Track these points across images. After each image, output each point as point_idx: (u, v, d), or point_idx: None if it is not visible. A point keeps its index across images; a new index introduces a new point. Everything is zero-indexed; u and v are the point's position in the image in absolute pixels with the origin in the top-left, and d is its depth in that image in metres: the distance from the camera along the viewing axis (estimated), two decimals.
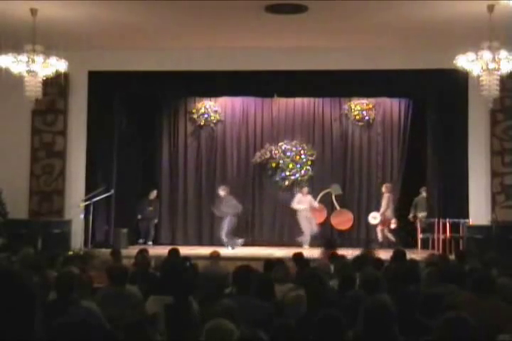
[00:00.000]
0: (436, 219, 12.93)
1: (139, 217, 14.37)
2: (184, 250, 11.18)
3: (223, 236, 13.66)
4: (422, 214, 13.48)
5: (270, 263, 7.32)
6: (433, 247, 12.82)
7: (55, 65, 10.36)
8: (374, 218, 14.02)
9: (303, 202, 14.16)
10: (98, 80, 12.87)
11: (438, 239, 12.68)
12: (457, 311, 3.80)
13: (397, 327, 4.04)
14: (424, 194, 13.93)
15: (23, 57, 10.15)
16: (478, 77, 9.95)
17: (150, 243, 14.09)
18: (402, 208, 14.18)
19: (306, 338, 3.97)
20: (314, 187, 14.92)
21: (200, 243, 14.64)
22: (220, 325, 3.56)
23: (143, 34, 11.68)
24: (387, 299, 4.19)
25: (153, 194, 14.50)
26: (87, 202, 12.33)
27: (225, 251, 11.91)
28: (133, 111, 14.41)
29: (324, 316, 3.91)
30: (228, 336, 3.50)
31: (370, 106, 14.86)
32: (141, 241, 14.00)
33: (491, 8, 9.63)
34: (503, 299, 5.14)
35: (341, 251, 9.70)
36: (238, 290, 5.42)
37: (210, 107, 15.12)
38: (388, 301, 4.10)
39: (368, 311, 3.92)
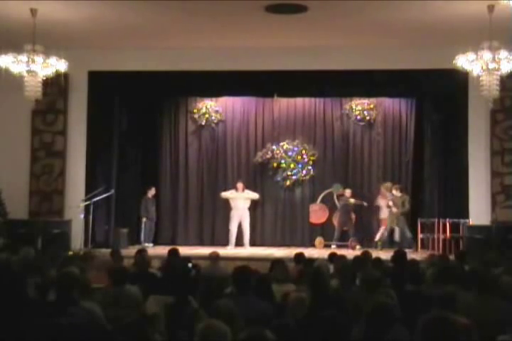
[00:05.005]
0: (436, 219, 12.94)
1: (145, 219, 14.11)
2: (184, 250, 11.20)
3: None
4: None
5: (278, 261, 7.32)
6: (433, 247, 12.83)
7: (55, 65, 10.36)
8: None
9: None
10: (98, 80, 12.88)
11: (438, 239, 12.69)
12: (449, 311, 3.79)
13: (400, 327, 4.04)
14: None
15: (23, 57, 10.15)
16: (478, 77, 9.95)
17: (151, 244, 13.88)
18: None
19: (306, 338, 3.97)
20: (316, 187, 14.93)
21: (201, 243, 14.63)
22: (213, 326, 3.55)
23: (143, 34, 11.68)
24: (389, 299, 4.19)
25: (152, 192, 14.37)
26: (87, 202, 12.32)
27: (225, 252, 11.93)
28: (133, 111, 14.39)
29: (325, 316, 3.90)
30: (221, 337, 3.49)
31: (371, 106, 14.85)
32: (146, 244, 13.60)
33: (491, 8, 9.63)
34: (505, 298, 5.13)
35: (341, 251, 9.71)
36: (237, 290, 5.42)
37: (211, 107, 15.11)
38: (389, 301, 4.10)
39: (369, 312, 3.92)
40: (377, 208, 14.25)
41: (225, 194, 14.22)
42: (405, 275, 6.08)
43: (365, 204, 14.35)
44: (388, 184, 14.10)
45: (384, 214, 13.93)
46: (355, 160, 15.01)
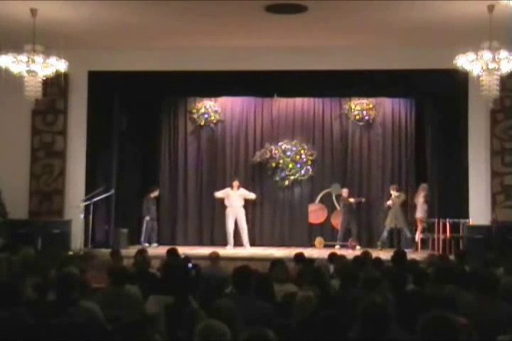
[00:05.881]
0: (436, 219, 12.94)
1: (148, 218, 14.08)
2: (184, 250, 11.21)
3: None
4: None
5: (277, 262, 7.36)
6: (433, 247, 12.83)
7: (55, 64, 10.35)
8: None
9: None
10: (98, 80, 12.87)
11: (438, 239, 12.69)
12: (449, 311, 3.79)
13: (395, 326, 4.04)
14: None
15: (23, 57, 10.15)
16: (478, 77, 9.95)
17: (155, 244, 13.89)
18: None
19: (307, 338, 3.97)
20: (314, 186, 14.93)
21: (200, 243, 14.62)
22: (213, 326, 3.55)
23: (143, 34, 11.68)
24: (385, 298, 4.18)
25: (156, 193, 14.38)
26: (87, 202, 12.32)
27: (224, 252, 11.94)
28: (133, 111, 14.40)
29: (324, 316, 3.90)
30: (221, 337, 3.49)
31: (370, 106, 14.84)
32: (147, 244, 13.58)
33: (491, 8, 9.63)
34: (505, 298, 5.13)
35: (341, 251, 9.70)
36: (238, 290, 5.42)
37: (211, 107, 15.11)
38: (384, 301, 4.09)
39: (364, 311, 3.92)
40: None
41: (218, 193, 14.22)
42: (405, 276, 6.08)
43: (363, 200, 14.33)
44: (425, 184, 14.01)
45: (420, 213, 13.79)
46: (353, 160, 15.00)
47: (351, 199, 14.20)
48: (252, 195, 14.27)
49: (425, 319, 3.47)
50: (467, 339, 3.87)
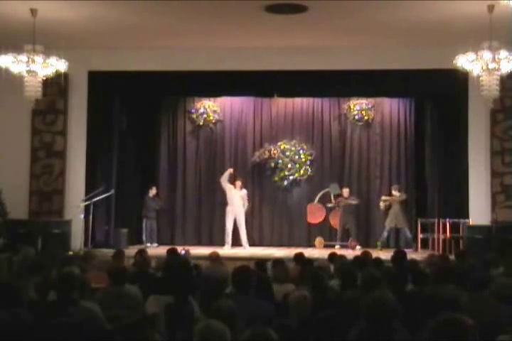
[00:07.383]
0: (436, 219, 12.94)
1: (145, 218, 14.11)
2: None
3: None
4: None
5: (261, 263, 7.43)
6: (433, 247, 12.84)
7: (55, 64, 10.36)
8: None
9: None
10: (98, 80, 12.88)
11: (438, 239, 12.70)
12: (452, 312, 3.78)
13: (398, 323, 4.03)
14: None
15: (23, 57, 10.16)
16: (478, 77, 9.95)
17: (155, 244, 13.88)
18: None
19: (307, 338, 3.97)
20: (313, 186, 14.92)
21: (199, 243, 14.63)
22: (212, 326, 3.55)
23: (143, 34, 11.69)
24: (388, 296, 4.17)
25: (153, 191, 14.33)
26: (87, 202, 12.33)
27: (224, 252, 11.94)
28: (133, 111, 14.41)
29: (324, 316, 3.90)
30: (220, 337, 3.49)
31: (370, 106, 14.84)
32: (149, 244, 13.60)
33: (491, 8, 9.64)
34: (503, 298, 5.13)
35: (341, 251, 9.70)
36: (237, 290, 5.42)
37: (210, 107, 15.11)
38: (388, 298, 4.08)
39: (368, 308, 3.90)
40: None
41: (225, 182, 14.07)
42: (405, 276, 6.08)
43: (353, 202, 14.17)
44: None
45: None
46: (352, 160, 15.00)
47: (353, 202, 14.11)
48: (245, 205, 14.14)
49: (437, 321, 3.44)
50: (474, 339, 3.86)
